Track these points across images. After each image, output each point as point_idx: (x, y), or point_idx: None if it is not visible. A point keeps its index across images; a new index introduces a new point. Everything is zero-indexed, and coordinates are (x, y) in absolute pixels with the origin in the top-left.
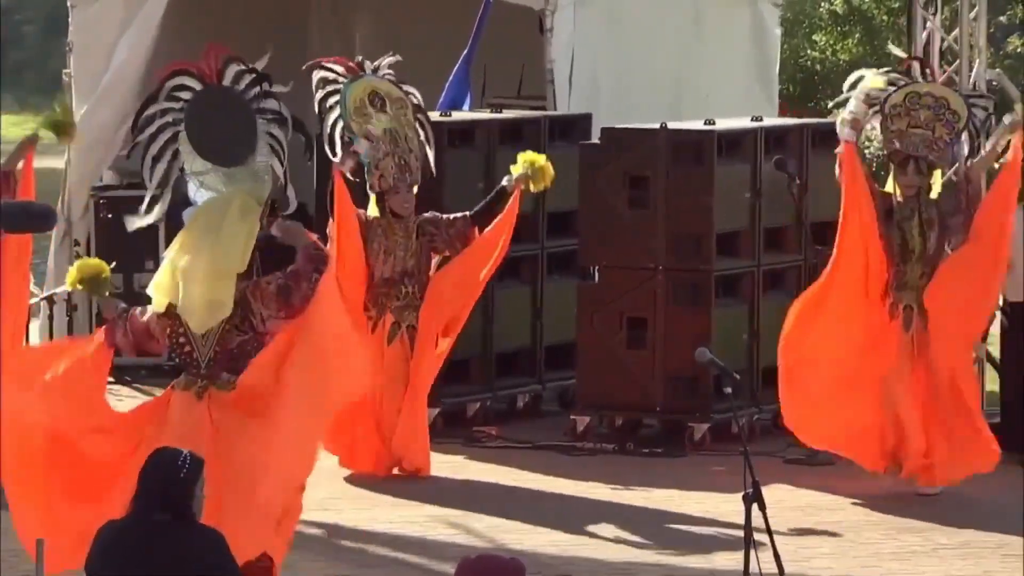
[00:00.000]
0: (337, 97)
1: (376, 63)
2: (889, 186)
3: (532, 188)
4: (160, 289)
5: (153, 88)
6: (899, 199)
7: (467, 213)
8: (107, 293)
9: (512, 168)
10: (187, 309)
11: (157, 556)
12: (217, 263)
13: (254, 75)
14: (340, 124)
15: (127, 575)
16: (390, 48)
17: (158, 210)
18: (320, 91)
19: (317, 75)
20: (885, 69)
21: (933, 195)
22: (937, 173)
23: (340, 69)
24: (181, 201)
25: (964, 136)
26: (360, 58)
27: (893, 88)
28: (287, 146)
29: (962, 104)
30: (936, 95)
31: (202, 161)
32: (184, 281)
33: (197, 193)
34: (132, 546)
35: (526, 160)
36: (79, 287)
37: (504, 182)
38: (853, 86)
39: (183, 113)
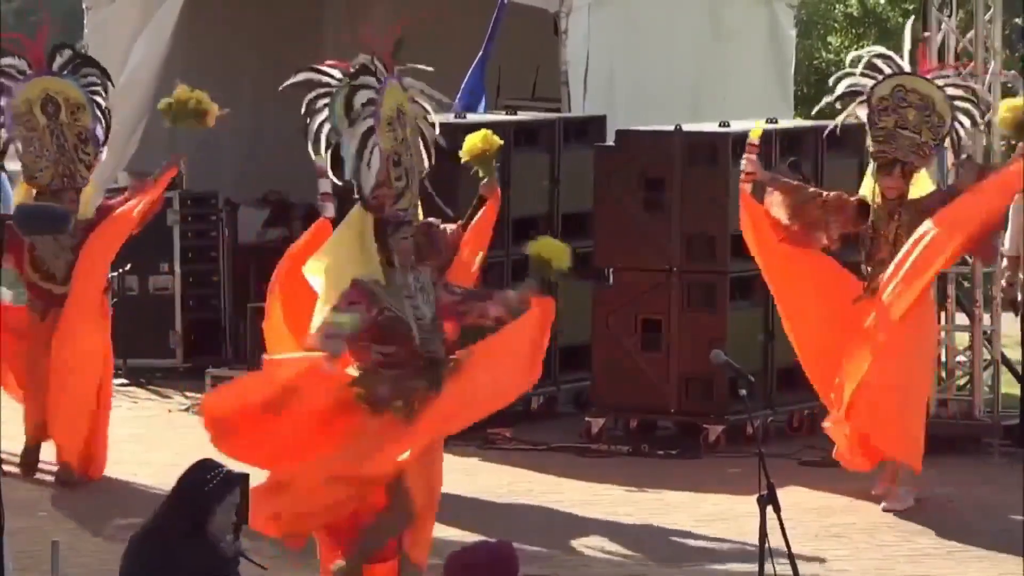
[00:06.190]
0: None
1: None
2: (865, 186)
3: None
4: None
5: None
6: (878, 201)
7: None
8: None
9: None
10: None
11: (164, 563)
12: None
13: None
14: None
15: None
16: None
17: None
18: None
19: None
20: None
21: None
22: (919, 175)
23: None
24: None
25: (947, 142)
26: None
27: (880, 77)
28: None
29: (947, 108)
30: (922, 92)
31: None
32: None
33: None
34: (148, 548)
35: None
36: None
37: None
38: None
39: None
